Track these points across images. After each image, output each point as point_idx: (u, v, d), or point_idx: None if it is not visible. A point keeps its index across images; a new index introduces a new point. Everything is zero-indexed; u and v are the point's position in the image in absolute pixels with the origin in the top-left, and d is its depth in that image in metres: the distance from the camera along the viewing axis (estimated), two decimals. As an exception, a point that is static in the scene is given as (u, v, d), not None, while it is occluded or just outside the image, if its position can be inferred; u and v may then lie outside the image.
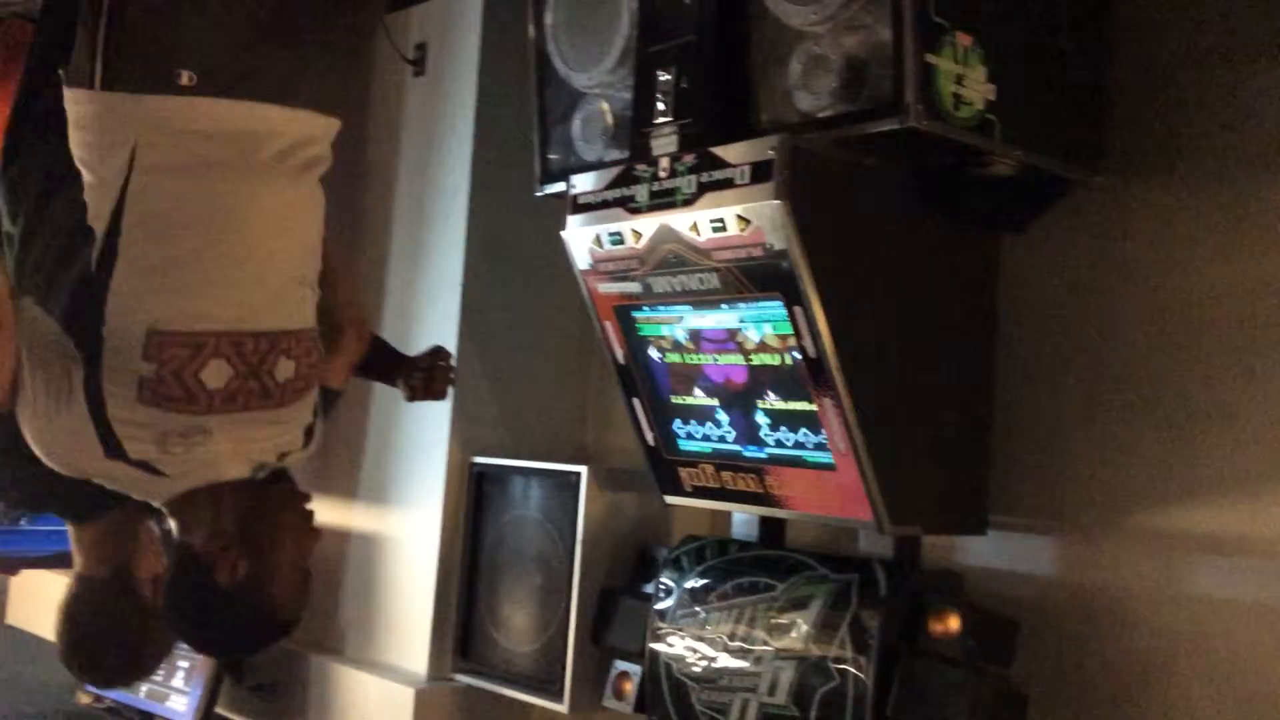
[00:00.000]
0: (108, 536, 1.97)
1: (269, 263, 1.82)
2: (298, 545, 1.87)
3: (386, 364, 2.24)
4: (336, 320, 2.00)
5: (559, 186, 2.94)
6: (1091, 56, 2.63)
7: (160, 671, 4.04)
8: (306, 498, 1.94)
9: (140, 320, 1.71)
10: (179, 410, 1.73)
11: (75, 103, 1.69)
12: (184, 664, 4.01)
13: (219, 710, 4.00)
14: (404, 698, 3.51)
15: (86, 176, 1.71)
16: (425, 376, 2.22)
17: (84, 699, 4.27)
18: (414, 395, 2.25)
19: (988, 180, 2.54)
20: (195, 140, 1.72)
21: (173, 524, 1.85)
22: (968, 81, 2.32)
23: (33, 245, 1.81)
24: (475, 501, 3.58)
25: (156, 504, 1.87)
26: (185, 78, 1.68)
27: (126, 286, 1.70)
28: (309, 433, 1.97)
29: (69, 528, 2.02)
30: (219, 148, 1.74)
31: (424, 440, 3.73)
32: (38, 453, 1.77)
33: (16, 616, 5.84)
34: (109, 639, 1.98)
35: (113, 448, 1.73)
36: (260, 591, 1.82)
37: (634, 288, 2.76)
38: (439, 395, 2.26)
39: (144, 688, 4.10)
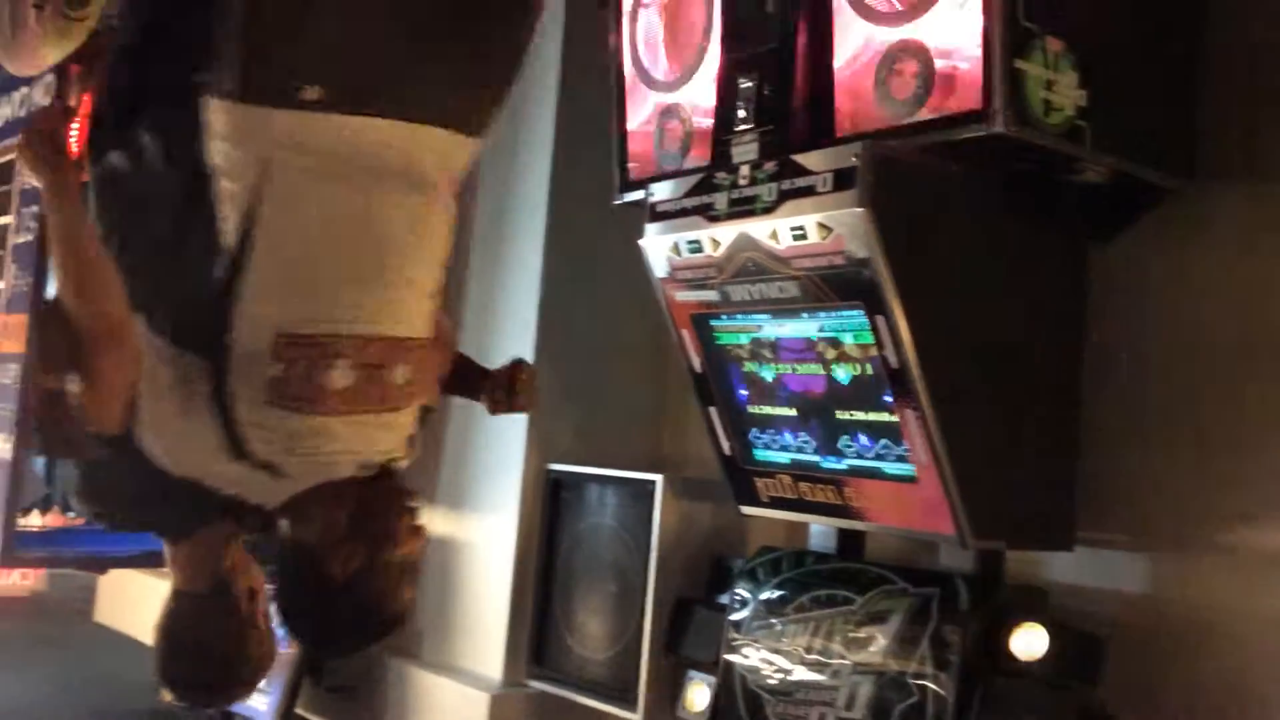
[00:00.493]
0: (204, 552, 1.99)
1: (394, 271, 1.86)
2: (405, 541, 1.89)
3: (470, 378, 2.26)
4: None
5: (638, 195, 2.94)
6: (1185, 62, 2.57)
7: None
8: (412, 496, 1.96)
9: (269, 323, 1.74)
10: (304, 411, 1.78)
11: (212, 113, 1.71)
12: (264, 664, 4.07)
13: (298, 710, 4.06)
14: (479, 702, 3.54)
15: (223, 183, 1.73)
16: (508, 390, 2.23)
17: (168, 696, 4.36)
18: (497, 409, 2.26)
19: (1078, 187, 2.48)
20: (327, 154, 1.74)
21: (284, 524, 1.88)
22: (1058, 87, 2.27)
23: (134, 247, 1.85)
24: (551, 508, 3.60)
25: (270, 506, 1.90)
26: (310, 92, 1.70)
27: (257, 291, 1.73)
28: (411, 441, 2.00)
29: (165, 546, 2.04)
30: (350, 162, 1.76)
31: (501, 447, 3.76)
32: (163, 462, 1.80)
33: (104, 615, 6.00)
34: (209, 656, 1.98)
35: (241, 450, 1.78)
36: (371, 585, 1.84)
37: (712, 296, 2.75)
38: (524, 408, 2.27)
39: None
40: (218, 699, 2.05)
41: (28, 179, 4.99)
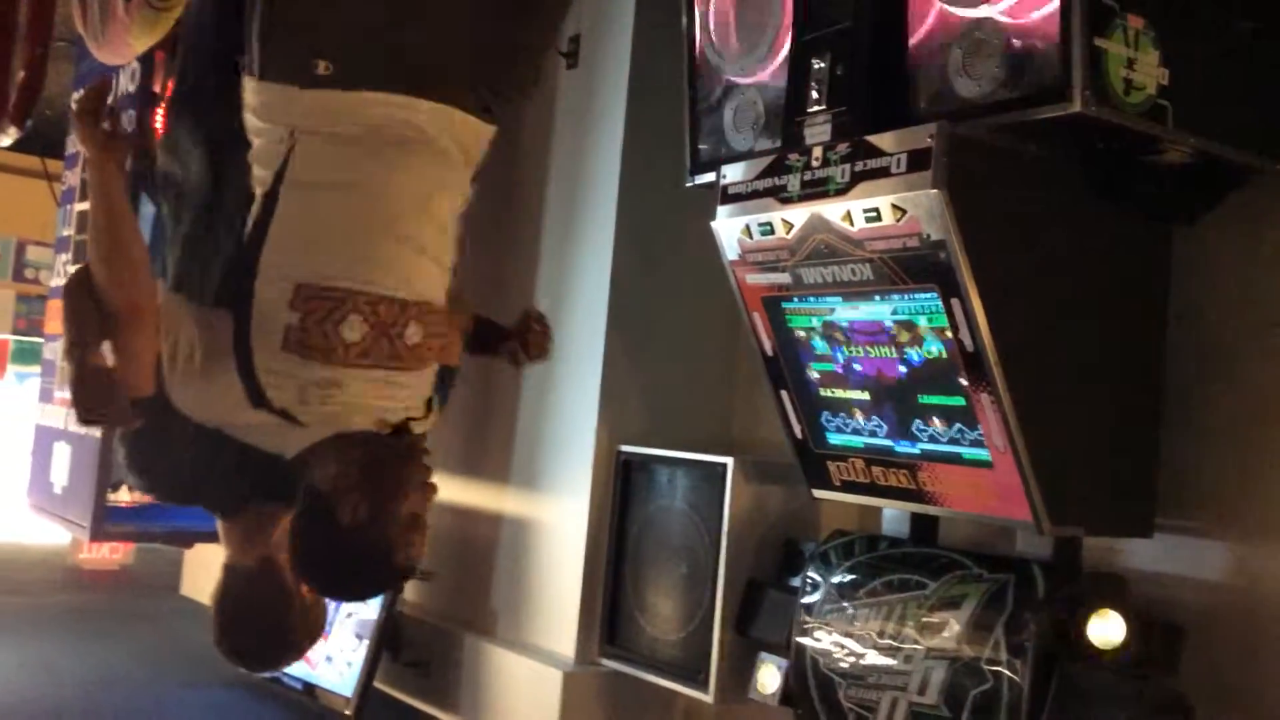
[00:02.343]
0: (253, 528, 2.09)
1: (407, 238, 1.97)
2: (415, 495, 1.96)
3: (490, 337, 2.34)
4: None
5: (709, 176, 2.93)
6: (1270, 38, 2.49)
7: (322, 646, 4.22)
8: (425, 453, 2.02)
9: (289, 274, 1.88)
10: (318, 360, 1.89)
11: (245, 90, 1.89)
12: (344, 640, 4.17)
13: (377, 684, 4.15)
14: (552, 680, 3.58)
15: (254, 143, 1.91)
16: (523, 341, 2.30)
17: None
18: (517, 362, 2.33)
19: (1159, 168, 2.43)
20: (346, 125, 1.90)
21: (306, 473, 1.98)
22: (1139, 65, 2.22)
23: (186, 213, 1.98)
24: (622, 490, 3.62)
25: (289, 455, 2.00)
26: (322, 67, 1.86)
27: (280, 241, 1.88)
28: (429, 405, 2.07)
29: (217, 522, 2.13)
30: (368, 133, 1.91)
31: (573, 428, 3.79)
32: (188, 411, 1.94)
33: (190, 588, 6.18)
34: (257, 624, 2.10)
35: (258, 396, 1.90)
36: (377, 533, 1.93)
37: (783, 279, 2.74)
38: (540, 357, 2.34)
39: (304, 662, 4.28)
40: (268, 665, 2.21)
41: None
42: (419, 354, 1.99)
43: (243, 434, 1.97)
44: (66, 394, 5.17)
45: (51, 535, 6.43)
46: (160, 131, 2.08)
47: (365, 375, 1.94)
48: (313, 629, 2.13)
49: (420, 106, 1.93)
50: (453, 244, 2.08)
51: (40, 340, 5.68)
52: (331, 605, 4.06)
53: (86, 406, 1.85)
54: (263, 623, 2.09)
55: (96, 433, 4.66)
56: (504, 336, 2.37)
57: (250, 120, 1.90)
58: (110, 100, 1.92)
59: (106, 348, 1.87)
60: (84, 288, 1.87)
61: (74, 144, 5.35)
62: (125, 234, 1.88)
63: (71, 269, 5.17)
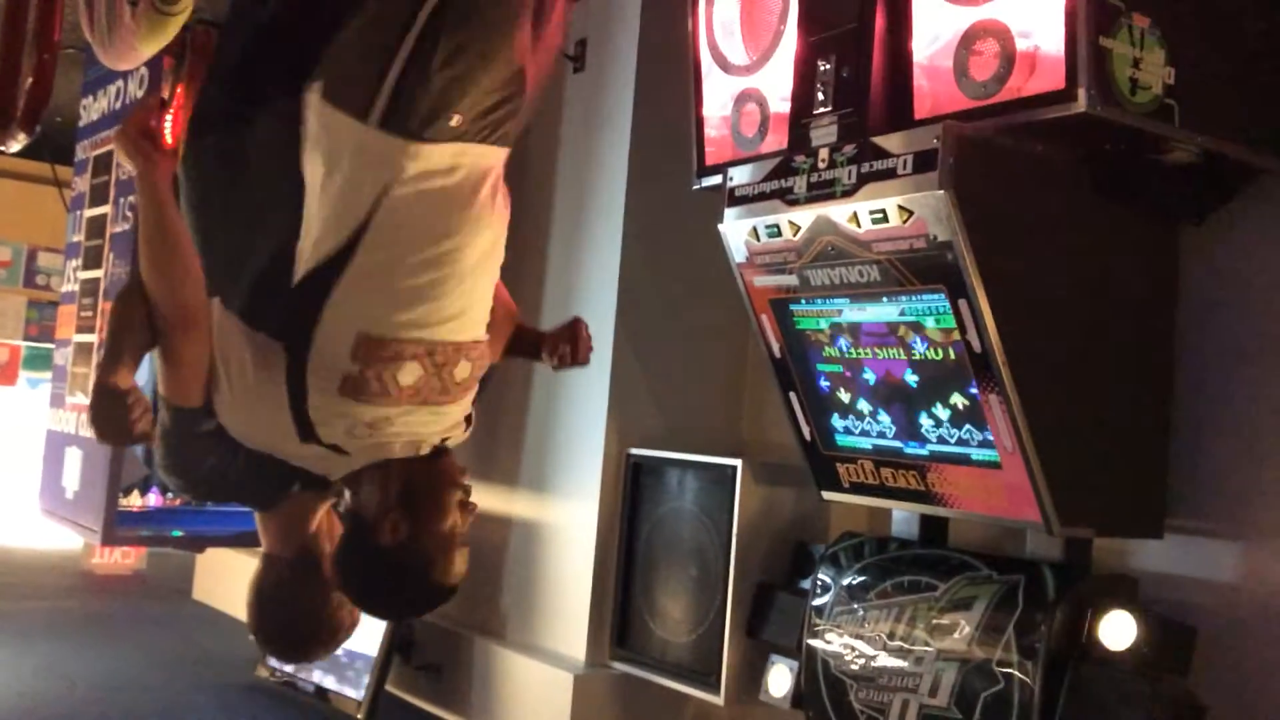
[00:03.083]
0: (292, 519, 2.11)
1: (474, 286, 1.99)
2: (455, 516, 1.99)
3: (531, 340, 2.36)
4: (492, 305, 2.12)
5: (716, 179, 2.93)
6: (1276, 37, 2.48)
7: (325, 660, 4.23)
8: (463, 472, 2.04)
9: (354, 324, 1.86)
10: (371, 403, 1.91)
11: (340, 129, 1.79)
12: (356, 644, 4.17)
13: (388, 688, 4.16)
14: (563, 682, 3.58)
15: (328, 195, 1.81)
16: (570, 346, 2.32)
17: (264, 673, 4.49)
18: (560, 364, 2.35)
19: (1166, 168, 2.42)
20: (431, 180, 1.86)
21: (346, 495, 2.00)
22: (1145, 65, 2.21)
23: (219, 231, 1.95)
24: (632, 492, 3.62)
25: (333, 479, 2.03)
26: (456, 120, 1.83)
27: (346, 297, 1.86)
28: (468, 420, 2.09)
29: (256, 515, 2.15)
30: (446, 186, 1.88)
31: (582, 432, 3.79)
32: (236, 436, 1.94)
33: (203, 593, 6.20)
34: (293, 614, 2.11)
35: (308, 433, 1.91)
36: (418, 553, 1.97)
37: (791, 281, 2.74)
38: (583, 361, 2.36)
39: (318, 665, 4.29)
40: (301, 655, 2.22)
41: (125, 168, 5.16)
42: (465, 387, 2.03)
43: (289, 459, 1.99)
44: (80, 400, 5.20)
45: (64, 540, 6.46)
46: (182, 140, 2.03)
47: (412, 409, 1.96)
48: (348, 622, 2.15)
49: (483, 151, 1.91)
50: (498, 280, 2.09)
51: (51, 346, 5.71)
52: None
53: (101, 430, 1.85)
54: (299, 612, 2.11)
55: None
56: (544, 339, 2.38)
57: (338, 163, 1.81)
58: (160, 114, 1.90)
59: (147, 360, 1.87)
60: (135, 296, 1.88)
61: (84, 150, 5.37)
62: (178, 241, 1.87)
63: (83, 275, 5.20)
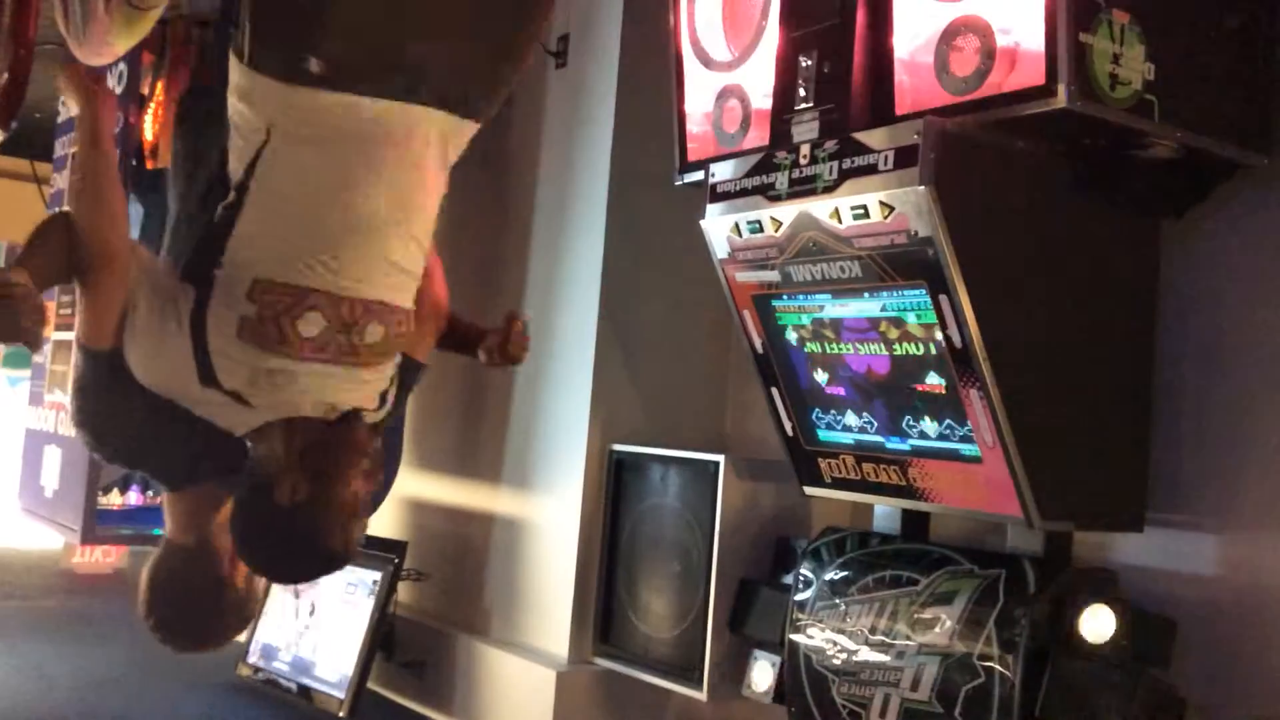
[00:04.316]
0: (198, 507, 2.10)
1: (375, 241, 1.98)
2: (356, 481, 1.96)
3: (467, 335, 2.34)
4: (420, 297, 2.10)
5: (697, 175, 2.93)
6: (1258, 33, 2.49)
7: (316, 646, 4.22)
8: (371, 441, 2.03)
9: (252, 265, 1.90)
10: (272, 351, 1.92)
11: (232, 70, 1.89)
12: (338, 640, 4.16)
13: (371, 685, 4.15)
14: (546, 679, 3.58)
15: (233, 133, 1.91)
16: (501, 342, 2.31)
17: (245, 671, 4.47)
18: (492, 362, 2.33)
19: (1146, 163, 2.43)
20: (325, 125, 1.89)
21: (250, 449, 2.02)
22: (1125, 60, 2.22)
23: (172, 181, 2.05)
24: (615, 488, 3.62)
25: (237, 434, 2.02)
26: (314, 65, 1.85)
27: (246, 234, 1.90)
28: (384, 398, 2.08)
29: (164, 495, 2.14)
30: (346, 134, 1.91)
31: (565, 428, 3.79)
32: (139, 375, 1.95)
33: (183, 590, 6.16)
34: (186, 605, 2.10)
35: (208, 376, 1.92)
36: (314, 516, 1.94)
37: (772, 276, 2.74)
38: (516, 359, 2.35)
39: (297, 662, 4.28)
40: (191, 646, 2.17)
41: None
42: (377, 352, 2.02)
43: (191, 406, 1.98)
44: (58, 397, 5.15)
45: (45, 539, 6.42)
46: (167, 129, 2.09)
47: (319, 369, 1.96)
48: (242, 617, 2.15)
49: (409, 111, 1.92)
50: (425, 246, 2.07)
51: (30, 344, 5.67)
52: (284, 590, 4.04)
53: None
54: (193, 604, 2.09)
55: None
56: (481, 336, 2.37)
57: (232, 101, 1.90)
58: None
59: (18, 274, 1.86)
60: (59, 223, 1.92)
61: (63, 147, 5.33)
62: (110, 180, 1.92)
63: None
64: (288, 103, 1.86)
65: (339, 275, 1.93)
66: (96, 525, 4.69)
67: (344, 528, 1.95)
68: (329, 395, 1.99)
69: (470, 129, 2.03)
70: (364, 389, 2.04)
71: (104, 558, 6.89)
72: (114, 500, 5.05)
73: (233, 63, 1.87)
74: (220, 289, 1.89)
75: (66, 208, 1.96)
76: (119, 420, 1.99)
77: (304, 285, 1.91)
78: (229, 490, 2.04)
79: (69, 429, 4.91)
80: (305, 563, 2.06)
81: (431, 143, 1.99)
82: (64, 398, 4.67)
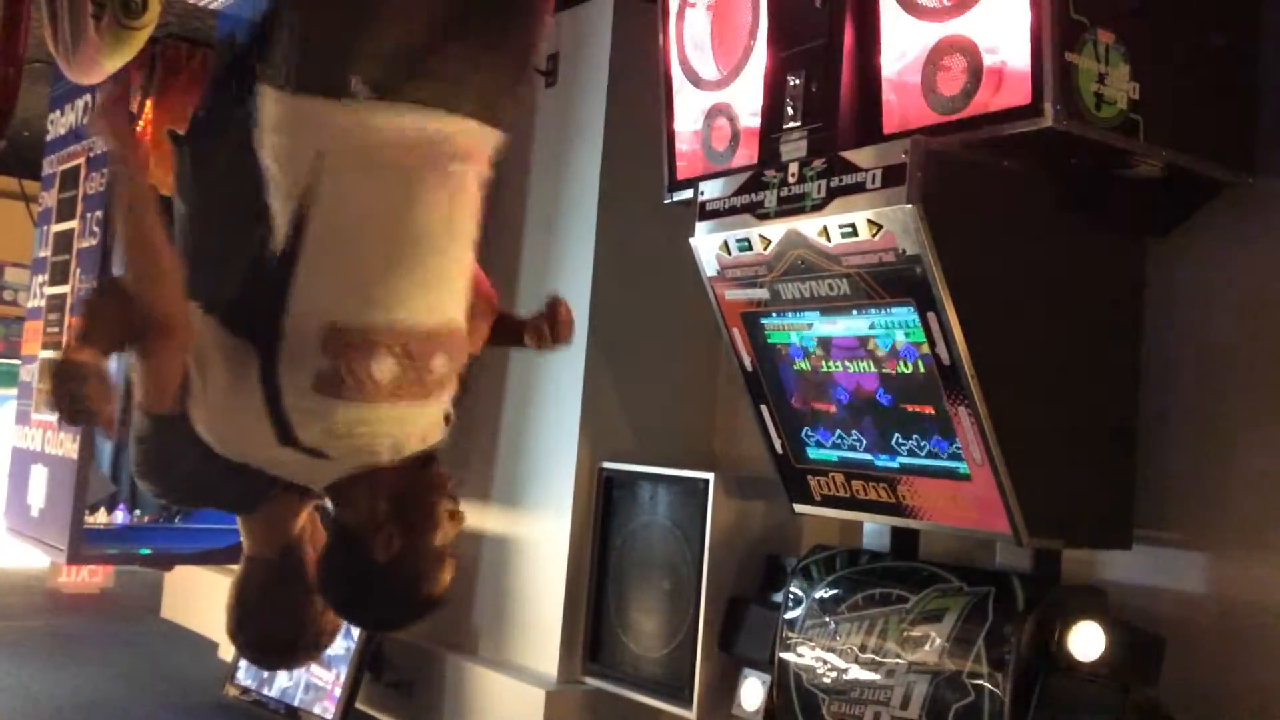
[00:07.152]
0: (275, 521, 2.07)
1: (439, 266, 1.94)
2: (445, 527, 1.95)
3: (510, 327, 2.33)
4: (470, 297, 2.09)
5: (687, 193, 2.94)
6: (1241, 54, 2.52)
7: (304, 667, 4.19)
8: (450, 482, 2.01)
9: (316, 313, 1.82)
10: (350, 400, 1.85)
11: (268, 101, 1.79)
12: (325, 660, 4.14)
13: (358, 705, 4.13)
14: (535, 699, 3.57)
15: (273, 173, 1.80)
16: (550, 324, 2.29)
17: (232, 691, 4.45)
18: (542, 344, 2.32)
19: (1131, 182, 2.45)
20: (378, 144, 1.82)
21: (330, 505, 1.97)
22: (1110, 80, 2.24)
23: (201, 232, 1.93)
24: (604, 506, 3.61)
25: (317, 489, 1.99)
26: (356, 83, 1.77)
27: (308, 283, 1.81)
28: (446, 419, 2.07)
29: (238, 518, 2.11)
30: (394, 154, 1.84)
31: (554, 446, 3.78)
32: (212, 444, 1.88)
33: (171, 611, 6.13)
34: (275, 617, 2.07)
35: (287, 435, 1.85)
36: (412, 567, 1.92)
37: (761, 294, 2.74)
38: (564, 340, 2.34)
39: (288, 682, 4.25)
40: (280, 662, 2.14)
41: (93, 181, 5.13)
42: (442, 381, 1.98)
43: (268, 467, 1.93)
44: (44, 416, 5.13)
45: (31, 558, 6.38)
46: (164, 148, 2.01)
47: (394, 411, 1.91)
48: (330, 627, 2.11)
49: (449, 124, 1.87)
50: (471, 262, 2.05)
51: (18, 362, 5.64)
52: None
53: (59, 405, 1.70)
54: (281, 616, 2.05)
55: (74, 454, 4.63)
56: (523, 323, 2.35)
57: (268, 140, 1.80)
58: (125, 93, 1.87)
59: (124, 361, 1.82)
60: (113, 292, 1.83)
61: (51, 165, 5.33)
62: (156, 236, 1.81)
63: (49, 290, 5.15)
64: (336, 123, 1.79)
65: (399, 307, 1.87)
66: (84, 545, 4.67)
67: (439, 573, 1.94)
68: (403, 435, 1.95)
69: (497, 140, 2.01)
70: (432, 419, 2.00)
71: (90, 577, 6.85)
72: (101, 519, 5.03)
73: (266, 97, 1.78)
74: (289, 343, 1.82)
75: (118, 273, 1.86)
76: (181, 467, 1.93)
77: (370, 324, 1.84)
78: (301, 496, 2.01)
79: (56, 448, 4.90)
80: (403, 612, 2.04)
81: (471, 158, 1.94)
82: (51, 416, 4.64)
